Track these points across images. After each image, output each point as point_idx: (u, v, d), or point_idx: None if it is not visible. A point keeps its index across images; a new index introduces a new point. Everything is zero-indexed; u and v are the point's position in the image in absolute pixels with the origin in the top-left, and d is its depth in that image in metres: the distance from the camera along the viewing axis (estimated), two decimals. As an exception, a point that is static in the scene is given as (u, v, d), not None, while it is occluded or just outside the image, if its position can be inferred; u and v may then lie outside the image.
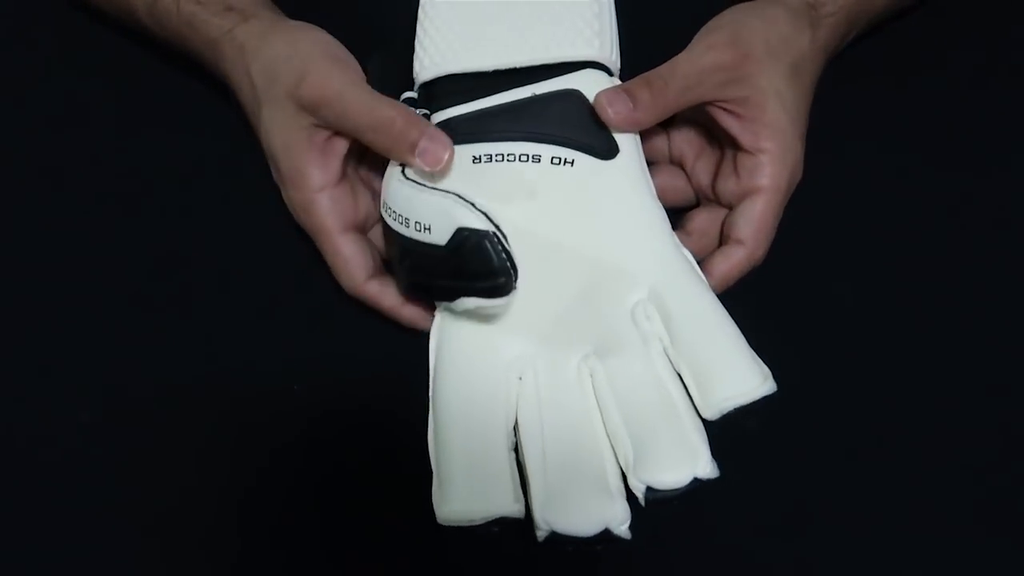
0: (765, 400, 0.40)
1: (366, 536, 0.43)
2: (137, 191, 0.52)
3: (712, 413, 0.39)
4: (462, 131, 0.44)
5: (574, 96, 0.44)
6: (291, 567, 0.42)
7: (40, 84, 0.57)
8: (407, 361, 0.45)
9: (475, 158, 0.43)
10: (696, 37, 0.45)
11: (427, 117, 0.44)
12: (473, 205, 0.40)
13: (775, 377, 0.41)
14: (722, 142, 0.47)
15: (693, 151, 0.49)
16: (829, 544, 0.43)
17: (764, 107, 0.44)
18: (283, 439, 0.45)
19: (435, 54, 0.45)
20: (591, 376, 0.41)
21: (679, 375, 0.41)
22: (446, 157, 0.41)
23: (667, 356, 0.41)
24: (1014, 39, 0.57)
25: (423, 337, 0.43)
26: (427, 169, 0.41)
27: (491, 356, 0.42)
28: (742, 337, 0.41)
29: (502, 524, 0.39)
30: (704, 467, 0.38)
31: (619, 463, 0.40)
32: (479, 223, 0.39)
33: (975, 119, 0.54)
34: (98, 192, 0.52)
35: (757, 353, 0.41)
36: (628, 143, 0.44)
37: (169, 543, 0.43)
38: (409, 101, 0.45)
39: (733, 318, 0.41)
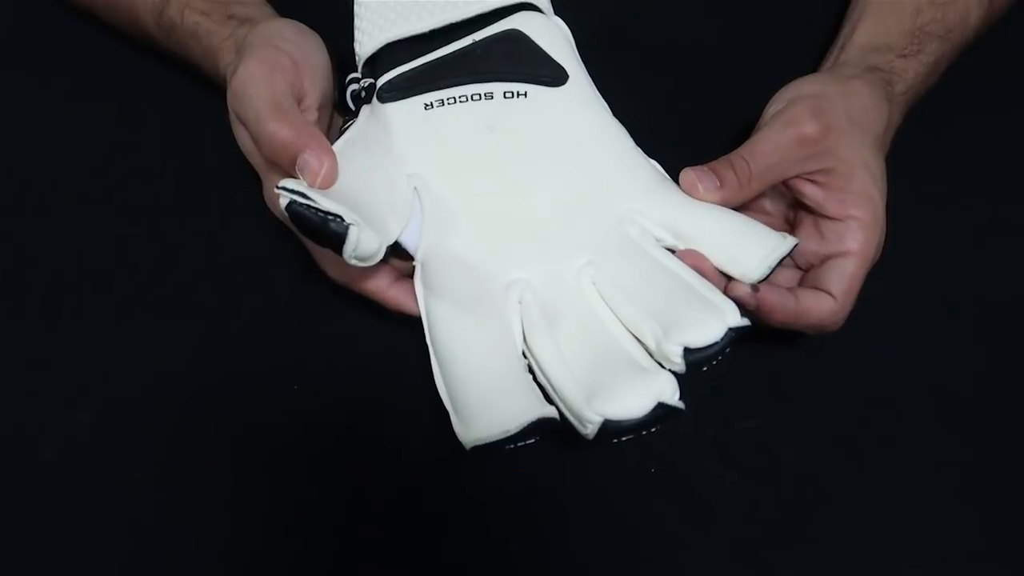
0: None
1: (367, 535, 0.43)
2: (137, 192, 0.52)
3: (760, 271, 0.39)
4: (408, 84, 0.44)
5: (514, 35, 0.45)
6: (291, 565, 0.42)
7: (41, 87, 0.57)
8: (407, 360, 0.45)
9: (426, 105, 0.44)
10: (774, 110, 0.45)
11: (372, 86, 0.45)
12: (285, 189, 0.38)
13: (776, 378, 0.40)
14: (804, 208, 0.46)
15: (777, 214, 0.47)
16: (829, 544, 0.43)
17: (851, 177, 0.43)
18: (283, 438, 0.45)
19: (371, 29, 0.45)
20: (594, 284, 0.41)
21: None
22: (322, 171, 0.39)
23: (668, 249, 0.41)
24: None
25: (421, 334, 0.43)
26: (313, 185, 0.39)
27: (483, 289, 0.42)
28: (743, 215, 0.42)
29: (537, 432, 0.37)
30: (734, 317, 0.38)
31: (646, 347, 0.39)
32: (284, 198, 0.38)
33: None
34: (98, 193, 0.52)
35: (758, 355, 0.41)
36: (576, 69, 0.45)
37: (169, 542, 0.43)
38: (353, 81, 0.45)
39: None
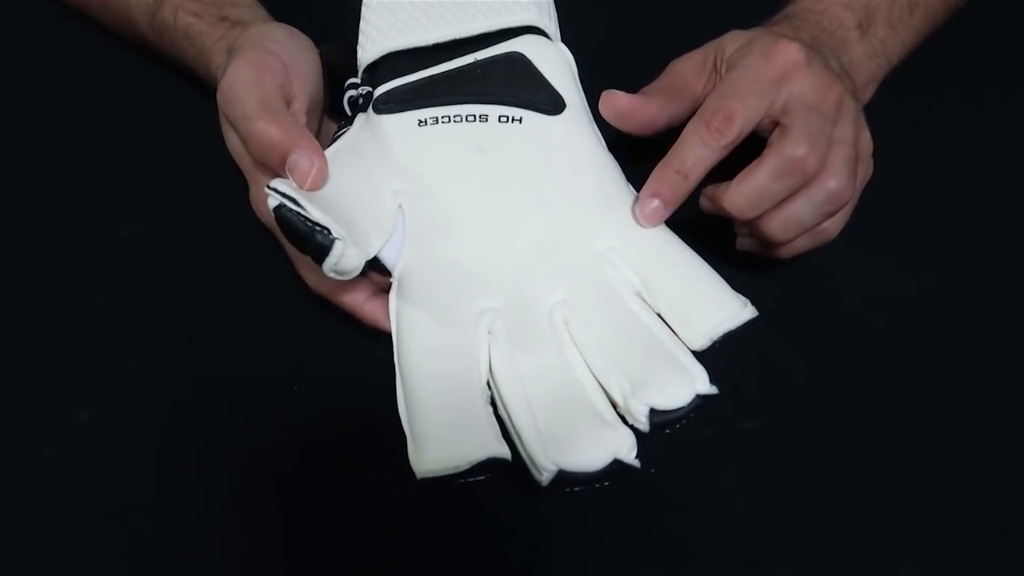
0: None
1: (367, 534, 0.43)
2: (137, 192, 0.52)
3: (701, 342, 0.39)
4: (405, 98, 0.44)
5: (516, 58, 0.44)
6: (291, 565, 0.42)
7: (41, 87, 0.57)
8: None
9: (420, 121, 0.44)
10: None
11: (369, 94, 0.44)
12: (275, 191, 0.38)
13: (776, 378, 0.40)
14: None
15: None
16: (829, 544, 0.43)
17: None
18: (283, 438, 0.45)
19: (376, 36, 0.45)
20: (566, 324, 0.41)
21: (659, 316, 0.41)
22: (312, 172, 0.40)
23: (642, 299, 0.41)
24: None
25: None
26: (303, 186, 0.40)
27: (455, 313, 0.42)
28: (715, 273, 0.41)
29: (489, 470, 0.37)
30: (703, 384, 0.38)
31: (611, 398, 0.39)
32: (273, 199, 0.38)
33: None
34: (97, 193, 0.52)
35: (758, 355, 0.41)
36: (575, 98, 0.45)
37: (169, 542, 0.43)
38: (352, 87, 0.45)
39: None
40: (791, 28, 0.47)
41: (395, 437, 0.45)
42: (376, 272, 0.42)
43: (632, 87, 0.45)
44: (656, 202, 0.42)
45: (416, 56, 0.45)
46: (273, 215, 0.38)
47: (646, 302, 0.41)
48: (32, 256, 0.50)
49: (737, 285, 0.42)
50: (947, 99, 0.54)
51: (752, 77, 0.42)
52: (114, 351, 0.47)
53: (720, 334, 0.39)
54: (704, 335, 0.39)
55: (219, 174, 0.51)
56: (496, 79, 0.44)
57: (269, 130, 0.40)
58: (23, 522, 0.43)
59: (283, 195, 0.38)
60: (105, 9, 0.54)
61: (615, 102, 0.44)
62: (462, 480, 0.37)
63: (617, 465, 0.37)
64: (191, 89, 0.53)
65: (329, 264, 0.38)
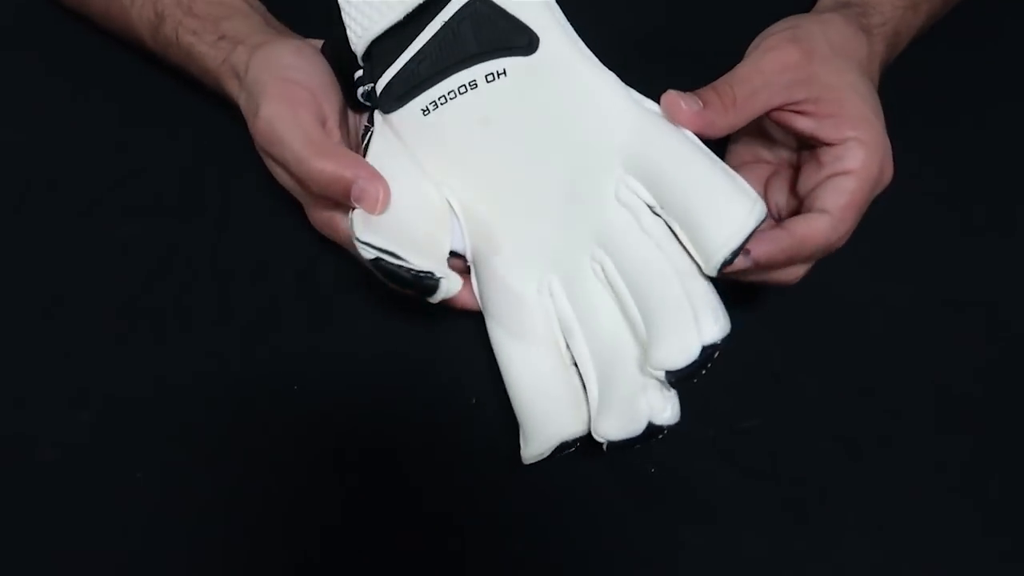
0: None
1: (366, 535, 0.43)
2: (137, 191, 0.52)
3: (711, 267, 0.39)
4: (402, 91, 0.45)
5: (476, 4, 0.44)
6: (291, 566, 0.42)
7: (41, 87, 0.57)
8: (407, 361, 0.45)
9: (423, 110, 0.45)
10: (753, 45, 0.44)
11: (373, 91, 0.45)
12: (368, 245, 0.40)
13: (776, 378, 0.40)
14: (799, 151, 0.46)
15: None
16: (829, 544, 0.43)
17: (842, 101, 0.42)
18: (283, 438, 0.45)
19: (357, 28, 0.46)
20: (603, 270, 0.43)
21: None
22: (379, 196, 0.41)
23: (656, 214, 0.41)
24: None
25: (420, 330, 0.43)
26: (373, 211, 0.41)
27: (519, 298, 0.44)
28: (726, 171, 0.41)
29: (570, 446, 0.41)
30: (710, 333, 0.39)
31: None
32: (368, 252, 0.40)
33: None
34: (98, 193, 0.52)
35: (758, 355, 0.40)
36: (547, 24, 0.44)
37: (169, 542, 0.43)
38: (360, 82, 0.46)
39: (738, 324, 0.41)
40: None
41: (395, 437, 0.45)
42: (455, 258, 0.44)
43: (645, 86, 0.45)
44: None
45: (397, 34, 0.45)
46: (371, 266, 0.40)
47: (661, 217, 0.41)
48: (32, 256, 0.50)
49: (736, 285, 0.42)
50: (948, 100, 0.54)
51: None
52: (114, 351, 0.47)
53: (729, 253, 0.39)
54: (717, 255, 0.39)
55: (219, 173, 0.51)
56: (466, 36, 0.44)
57: (326, 167, 0.41)
58: (23, 522, 0.43)
59: (378, 249, 0.40)
60: (106, 19, 0.54)
61: None
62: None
63: (651, 429, 0.39)
64: (192, 89, 0.53)
65: (436, 299, 0.41)
